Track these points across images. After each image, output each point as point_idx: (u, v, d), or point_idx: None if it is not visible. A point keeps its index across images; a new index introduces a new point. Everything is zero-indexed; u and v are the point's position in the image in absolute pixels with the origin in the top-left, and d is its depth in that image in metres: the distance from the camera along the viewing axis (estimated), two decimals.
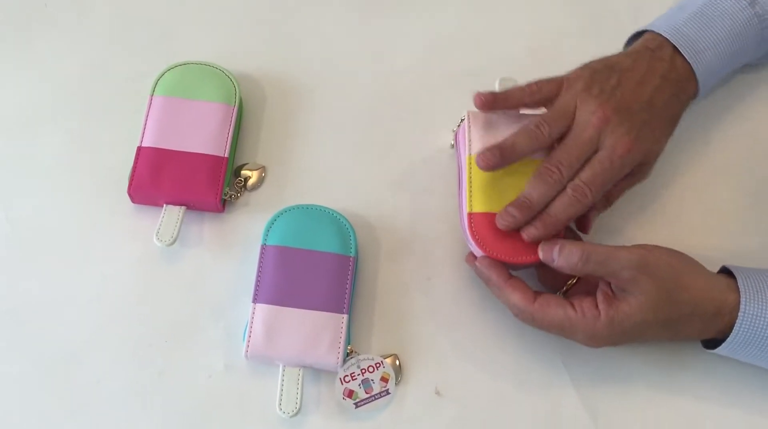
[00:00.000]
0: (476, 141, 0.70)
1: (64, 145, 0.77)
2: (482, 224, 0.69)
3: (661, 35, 0.72)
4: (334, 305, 0.69)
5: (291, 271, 0.69)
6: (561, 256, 0.65)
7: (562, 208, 0.66)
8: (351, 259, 0.70)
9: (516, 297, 0.66)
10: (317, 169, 0.78)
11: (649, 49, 0.70)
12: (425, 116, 0.80)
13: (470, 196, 0.69)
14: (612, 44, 0.73)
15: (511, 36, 0.82)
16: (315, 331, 0.68)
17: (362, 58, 0.82)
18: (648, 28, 0.73)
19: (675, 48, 0.71)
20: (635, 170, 0.69)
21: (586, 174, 0.66)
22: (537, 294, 0.66)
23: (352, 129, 0.79)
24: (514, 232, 0.68)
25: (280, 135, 0.79)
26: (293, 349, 0.68)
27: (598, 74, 0.68)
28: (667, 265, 0.64)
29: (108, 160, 0.77)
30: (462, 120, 0.72)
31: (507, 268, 0.68)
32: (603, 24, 0.81)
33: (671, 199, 0.76)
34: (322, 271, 0.69)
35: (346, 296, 0.69)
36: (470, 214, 0.69)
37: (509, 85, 0.70)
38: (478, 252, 0.68)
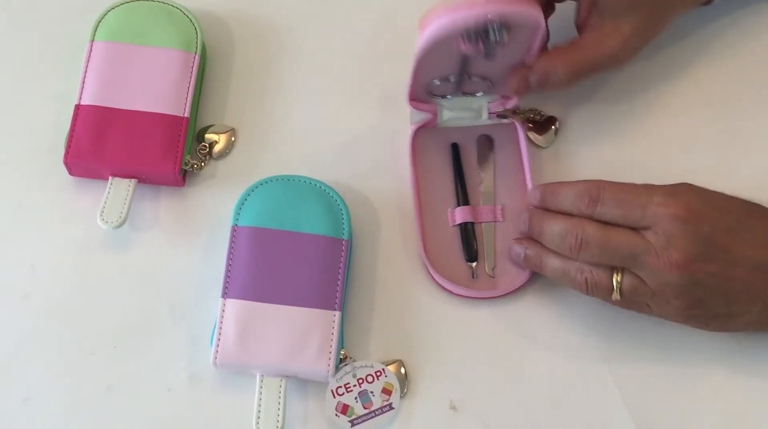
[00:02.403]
0: None
1: None
2: None
3: None
4: (323, 300, 0.67)
5: (269, 259, 0.67)
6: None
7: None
8: (344, 242, 0.69)
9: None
10: (299, 131, 0.76)
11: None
12: None
13: None
14: None
15: None
16: (300, 332, 0.66)
17: None
18: None
19: None
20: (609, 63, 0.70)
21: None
22: None
23: (341, 80, 0.77)
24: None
25: (252, 89, 0.77)
26: (273, 354, 0.66)
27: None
28: None
29: (38, 122, 0.75)
30: None
31: None
32: None
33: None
34: (308, 258, 0.68)
35: (338, 289, 0.67)
36: None
37: None
38: None
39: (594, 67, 0.68)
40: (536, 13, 0.63)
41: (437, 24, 0.64)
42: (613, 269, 0.64)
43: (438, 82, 0.69)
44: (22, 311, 0.70)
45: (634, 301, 0.64)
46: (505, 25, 0.63)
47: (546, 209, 0.68)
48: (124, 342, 0.69)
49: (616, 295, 0.64)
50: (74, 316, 0.69)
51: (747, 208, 0.65)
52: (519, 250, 0.68)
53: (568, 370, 0.69)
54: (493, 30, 0.64)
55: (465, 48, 0.65)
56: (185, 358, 0.68)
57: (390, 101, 0.76)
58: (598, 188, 0.65)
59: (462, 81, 0.70)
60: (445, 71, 0.69)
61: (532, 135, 0.73)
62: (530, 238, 0.68)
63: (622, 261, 0.63)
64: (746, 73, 0.77)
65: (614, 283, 0.64)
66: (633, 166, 0.73)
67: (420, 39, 0.66)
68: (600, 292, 0.64)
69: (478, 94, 0.71)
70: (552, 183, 0.68)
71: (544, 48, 0.69)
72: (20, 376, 0.68)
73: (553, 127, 0.73)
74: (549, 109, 0.74)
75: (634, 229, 0.64)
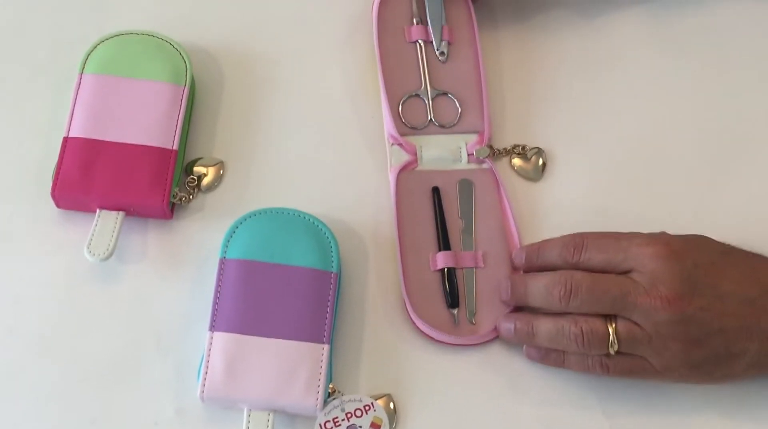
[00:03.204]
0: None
1: None
2: None
3: None
4: (311, 333, 0.67)
5: (257, 292, 0.67)
6: None
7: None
8: (332, 275, 0.68)
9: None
10: (288, 164, 0.75)
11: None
12: None
13: None
14: None
15: None
16: (288, 365, 0.66)
17: (339, 28, 0.80)
18: None
19: None
20: None
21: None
22: None
23: (331, 114, 0.77)
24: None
25: (241, 122, 0.77)
26: (261, 388, 0.65)
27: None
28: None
29: (25, 154, 0.75)
30: None
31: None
32: None
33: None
34: (296, 291, 0.67)
35: (327, 322, 0.67)
36: None
37: None
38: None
39: None
40: None
41: None
42: (606, 318, 0.64)
43: (407, 98, 0.73)
44: (6, 344, 0.69)
45: (633, 353, 0.63)
46: None
47: (532, 267, 0.68)
48: (109, 375, 0.68)
49: (613, 345, 0.63)
50: (59, 349, 0.69)
51: (726, 247, 0.65)
52: (508, 326, 0.67)
53: (560, 408, 0.68)
54: None
55: (416, 34, 0.75)
56: (172, 392, 0.67)
57: (377, 137, 0.76)
58: (581, 237, 0.66)
59: (430, 99, 0.73)
60: (411, 83, 0.74)
61: (521, 169, 0.73)
62: (515, 311, 0.67)
63: (613, 305, 0.63)
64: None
65: (609, 330, 0.63)
66: (624, 196, 0.74)
67: (372, 13, 0.75)
68: (597, 343, 0.63)
69: (451, 125, 0.73)
70: (534, 242, 0.69)
71: None
72: (3, 410, 0.67)
73: (540, 159, 0.73)
74: (535, 142, 0.74)
75: (620, 273, 0.64)
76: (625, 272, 0.63)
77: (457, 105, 0.73)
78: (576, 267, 0.65)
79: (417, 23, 0.75)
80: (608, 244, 0.65)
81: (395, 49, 0.75)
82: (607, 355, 0.63)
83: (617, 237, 0.65)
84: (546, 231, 0.71)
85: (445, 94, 0.73)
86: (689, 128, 0.76)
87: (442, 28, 0.75)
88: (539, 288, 0.65)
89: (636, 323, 0.62)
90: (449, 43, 0.75)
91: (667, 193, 0.74)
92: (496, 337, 0.68)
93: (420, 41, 0.75)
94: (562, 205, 0.73)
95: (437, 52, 0.75)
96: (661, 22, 0.79)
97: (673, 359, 0.62)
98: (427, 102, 0.73)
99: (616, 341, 0.63)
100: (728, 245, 0.65)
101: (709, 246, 0.65)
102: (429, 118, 0.73)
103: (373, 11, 0.76)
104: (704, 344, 0.62)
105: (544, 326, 0.65)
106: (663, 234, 0.65)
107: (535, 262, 0.67)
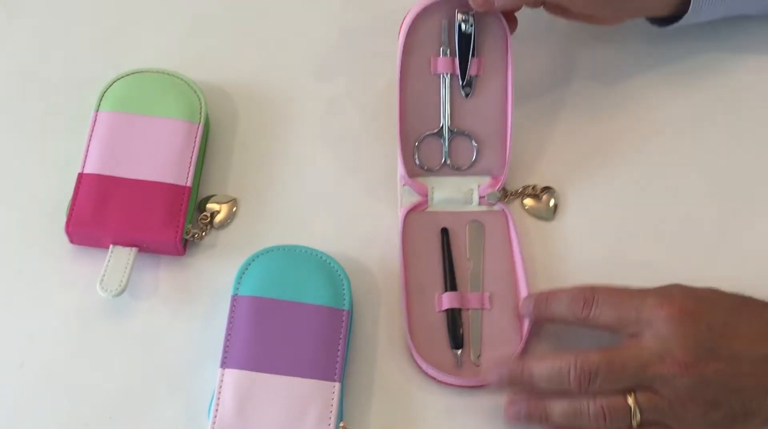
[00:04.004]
0: None
1: None
2: None
3: None
4: (323, 371, 0.66)
5: (269, 329, 0.67)
6: None
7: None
8: (344, 313, 0.68)
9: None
10: (301, 201, 0.75)
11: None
12: None
13: None
14: None
15: None
16: (299, 403, 0.65)
17: (355, 64, 0.80)
18: None
19: None
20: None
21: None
22: None
23: (343, 151, 0.77)
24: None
25: (254, 160, 0.77)
26: (272, 426, 0.64)
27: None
28: None
29: (40, 190, 0.75)
30: None
31: None
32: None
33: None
34: (308, 329, 0.67)
35: (339, 360, 0.66)
36: None
37: None
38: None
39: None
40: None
41: (411, 12, 0.70)
42: (625, 392, 0.63)
43: (425, 137, 0.71)
44: (18, 379, 0.68)
45: (654, 420, 0.62)
46: (469, 16, 0.70)
47: (540, 317, 0.67)
48: (120, 412, 0.67)
49: (635, 416, 0.62)
50: (70, 385, 0.68)
51: (738, 301, 0.65)
52: (516, 408, 0.65)
53: None
54: (460, 25, 0.69)
55: (441, 66, 0.71)
56: None
57: (391, 175, 0.76)
58: (591, 291, 0.65)
59: (448, 139, 0.71)
60: (430, 121, 0.71)
61: (533, 209, 0.72)
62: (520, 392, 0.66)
63: (631, 378, 0.62)
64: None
65: (630, 405, 0.62)
66: (637, 235, 0.73)
67: (399, 38, 0.70)
68: (619, 419, 0.62)
69: (466, 167, 0.72)
70: (542, 292, 0.68)
71: None
72: None
73: (552, 199, 0.73)
74: (545, 182, 0.74)
75: (629, 334, 0.64)
76: (635, 332, 0.63)
77: (475, 145, 0.72)
78: (585, 322, 0.65)
79: (444, 54, 0.71)
80: (620, 302, 0.64)
81: (417, 82, 0.71)
82: (629, 427, 0.62)
83: (629, 294, 0.64)
84: (560, 272, 0.71)
85: (464, 133, 0.72)
86: (701, 171, 0.76)
87: (471, 60, 0.71)
88: (550, 372, 0.63)
89: (655, 391, 0.61)
90: (477, 76, 0.71)
91: (678, 234, 0.73)
92: None
93: (445, 74, 0.71)
94: (576, 243, 0.72)
95: (462, 87, 0.72)
96: (675, 66, 0.79)
97: (693, 422, 0.62)
98: (444, 143, 0.72)
99: (638, 413, 0.62)
100: (740, 297, 0.65)
101: (722, 302, 0.64)
102: (444, 159, 0.72)
103: (399, 37, 0.72)
104: (722, 405, 0.62)
105: (559, 407, 0.63)
106: (675, 289, 0.64)
107: (543, 313, 0.67)
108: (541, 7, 0.71)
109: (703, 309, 0.63)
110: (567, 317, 0.65)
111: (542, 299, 0.67)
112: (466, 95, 0.71)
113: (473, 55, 0.70)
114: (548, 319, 0.67)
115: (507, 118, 0.71)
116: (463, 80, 0.71)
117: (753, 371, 0.62)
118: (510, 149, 0.71)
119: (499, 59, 0.71)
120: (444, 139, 0.72)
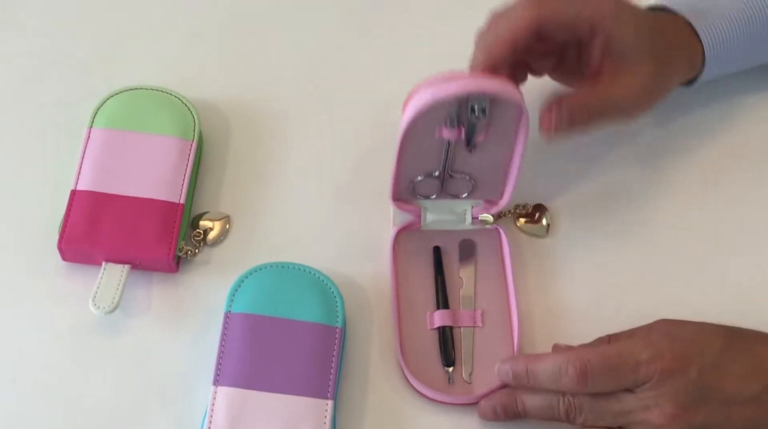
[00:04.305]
0: None
1: None
2: None
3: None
4: (316, 389, 0.66)
5: (262, 346, 0.67)
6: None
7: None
8: (337, 330, 0.68)
9: None
10: (294, 218, 0.75)
11: None
12: None
13: None
14: None
15: None
16: (292, 421, 0.65)
17: (347, 82, 0.81)
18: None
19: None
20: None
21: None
22: None
23: (336, 169, 0.77)
24: None
25: (247, 177, 0.77)
26: None
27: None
28: None
29: (33, 207, 0.75)
30: None
31: None
32: None
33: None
34: (301, 346, 0.67)
35: (332, 377, 0.66)
36: None
37: None
38: None
39: (612, 111, 0.68)
40: (517, 93, 0.64)
41: (418, 98, 0.65)
42: None
43: (421, 178, 0.69)
44: (9, 396, 0.68)
45: None
46: (485, 102, 0.64)
47: (521, 387, 0.65)
48: (112, 428, 0.67)
49: None
50: (62, 402, 0.68)
51: (727, 337, 0.64)
52: (491, 402, 0.65)
53: None
54: (474, 108, 0.64)
55: (447, 134, 0.66)
56: None
57: (384, 192, 0.74)
58: (581, 361, 0.63)
59: (445, 180, 0.70)
60: (428, 166, 0.69)
61: (525, 227, 0.72)
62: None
63: (616, 419, 0.62)
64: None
65: None
66: (629, 254, 0.73)
67: (403, 118, 0.66)
68: None
69: (462, 196, 0.71)
70: (522, 358, 0.66)
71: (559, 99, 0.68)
72: None
73: (544, 218, 0.73)
74: (538, 200, 0.74)
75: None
76: (629, 388, 0.63)
77: (472, 183, 0.70)
78: (580, 393, 0.64)
79: (452, 126, 0.65)
80: (615, 367, 0.62)
81: (419, 141, 0.67)
82: None
83: (620, 353, 0.63)
84: (554, 289, 0.71)
85: (463, 173, 0.70)
86: (692, 192, 0.76)
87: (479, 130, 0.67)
88: (542, 405, 0.64)
89: None
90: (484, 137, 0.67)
91: (669, 251, 0.73)
92: None
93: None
94: (569, 261, 0.72)
95: (467, 146, 0.68)
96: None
97: None
98: (441, 183, 0.70)
99: None
100: (728, 331, 0.64)
101: (710, 341, 0.63)
102: (440, 192, 0.71)
103: (404, 114, 0.66)
104: None
105: (531, 401, 0.64)
106: (661, 331, 0.64)
107: (525, 384, 0.65)
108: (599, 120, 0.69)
109: (692, 354, 0.62)
110: (556, 389, 0.64)
111: (522, 369, 0.65)
112: (470, 151, 0.68)
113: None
114: (531, 389, 0.65)
115: (511, 171, 0.69)
116: (468, 144, 0.67)
117: (743, 412, 0.62)
118: (512, 188, 0.70)
119: (510, 132, 0.67)
120: (442, 180, 0.70)
